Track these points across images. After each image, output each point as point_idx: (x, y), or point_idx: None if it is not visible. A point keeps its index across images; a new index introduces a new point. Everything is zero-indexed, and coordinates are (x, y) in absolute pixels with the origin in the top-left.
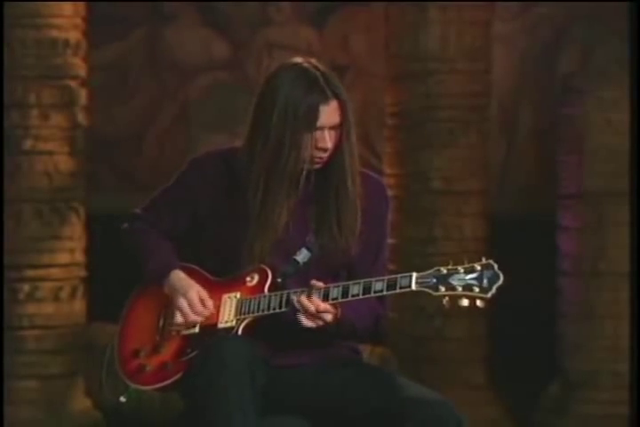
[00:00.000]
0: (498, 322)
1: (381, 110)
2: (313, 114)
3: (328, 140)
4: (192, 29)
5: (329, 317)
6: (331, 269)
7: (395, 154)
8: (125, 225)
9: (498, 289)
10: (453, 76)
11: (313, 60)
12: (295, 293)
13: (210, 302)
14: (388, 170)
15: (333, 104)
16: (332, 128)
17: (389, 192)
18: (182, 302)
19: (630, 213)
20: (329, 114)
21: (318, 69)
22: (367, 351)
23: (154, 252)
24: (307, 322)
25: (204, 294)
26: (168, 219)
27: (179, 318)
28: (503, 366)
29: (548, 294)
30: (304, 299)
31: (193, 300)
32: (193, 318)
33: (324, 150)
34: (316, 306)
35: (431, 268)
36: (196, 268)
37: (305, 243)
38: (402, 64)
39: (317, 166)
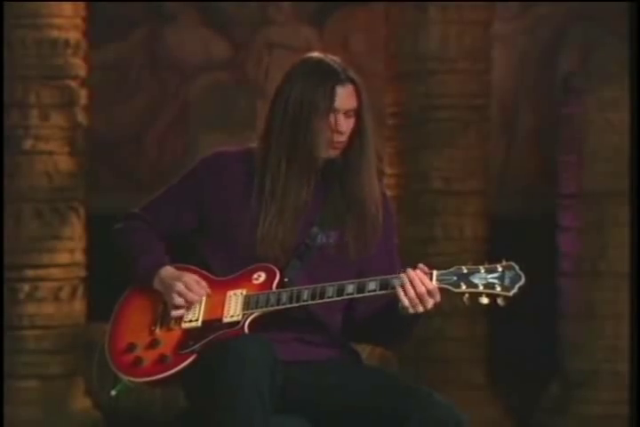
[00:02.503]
0: (498, 322)
1: (381, 110)
2: (330, 96)
3: (344, 123)
4: (192, 29)
5: (431, 302)
6: (340, 269)
7: (395, 154)
8: (118, 225)
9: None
10: (453, 76)
11: (329, 55)
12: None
13: (205, 284)
14: (388, 170)
15: (350, 87)
16: (347, 113)
17: (388, 193)
18: (179, 285)
19: (630, 213)
20: (345, 97)
21: (332, 59)
22: (367, 351)
23: (145, 251)
24: (411, 305)
25: (198, 277)
26: (170, 216)
27: (178, 300)
28: (503, 366)
29: (547, 293)
30: (414, 275)
31: (189, 281)
32: (192, 297)
33: (341, 133)
34: (427, 285)
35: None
36: (195, 268)
37: (307, 236)
38: (402, 64)
39: (336, 152)
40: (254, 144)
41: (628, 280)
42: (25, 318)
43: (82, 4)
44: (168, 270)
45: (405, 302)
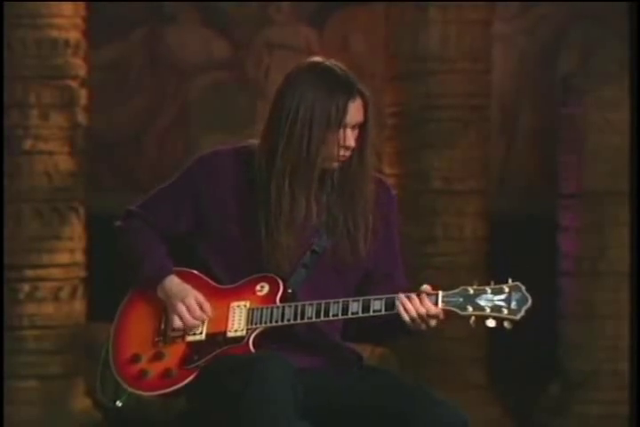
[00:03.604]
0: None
1: (381, 110)
2: (342, 111)
3: (351, 138)
4: (192, 29)
5: (434, 322)
6: (344, 274)
7: (395, 154)
8: (118, 223)
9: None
10: (453, 76)
11: (333, 60)
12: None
13: (207, 307)
14: (387, 170)
15: (359, 101)
16: (354, 126)
17: (394, 192)
18: (181, 307)
19: (630, 213)
20: (355, 111)
21: (340, 68)
22: (367, 351)
23: (148, 254)
24: (414, 325)
25: (201, 298)
26: (168, 217)
27: (177, 323)
28: (503, 366)
29: (547, 293)
30: (415, 300)
31: (191, 304)
32: (192, 322)
33: (348, 148)
34: (427, 309)
35: (431, 267)
36: (198, 273)
37: (312, 243)
38: (402, 64)
39: (338, 165)
40: (252, 140)
41: (627, 280)
42: (25, 318)
43: (82, 4)
44: (173, 282)
45: (408, 322)
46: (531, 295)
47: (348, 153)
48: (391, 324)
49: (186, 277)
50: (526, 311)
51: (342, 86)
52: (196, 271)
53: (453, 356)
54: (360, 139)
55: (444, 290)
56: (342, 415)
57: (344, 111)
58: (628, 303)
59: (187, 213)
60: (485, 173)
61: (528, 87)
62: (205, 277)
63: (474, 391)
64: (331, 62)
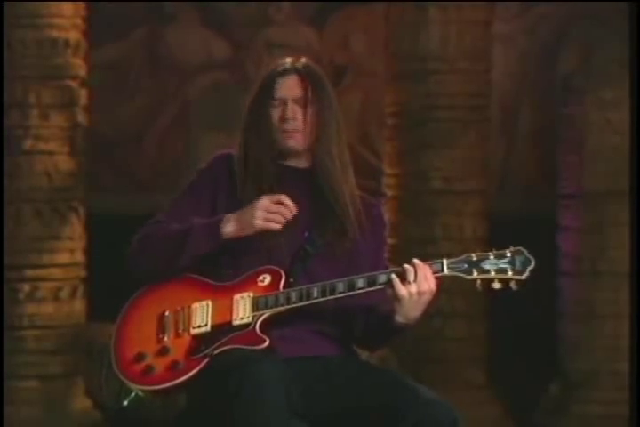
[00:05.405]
0: (498, 322)
1: (381, 110)
2: (270, 84)
3: (293, 110)
4: (192, 29)
5: (426, 289)
6: (338, 269)
7: (395, 154)
8: (136, 236)
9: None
10: (453, 76)
11: (302, 58)
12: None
13: (283, 197)
14: (387, 170)
15: (293, 77)
16: (296, 101)
17: (390, 192)
18: (261, 205)
19: (630, 213)
20: (288, 85)
21: (298, 60)
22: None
23: (187, 226)
24: (405, 294)
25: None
26: (193, 215)
27: (279, 217)
28: (503, 366)
29: (547, 293)
30: (418, 262)
31: (265, 204)
32: (283, 210)
33: (288, 120)
34: (425, 272)
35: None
36: (198, 277)
37: (304, 241)
38: (402, 64)
39: (293, 142)
40: None
41: (628, 280)
42: (25, 318)
43: (82, 4)
44: (228, 216)
45: (403, 294)
46: (531, 295)
47: (293, 126)
48: (384, 319)
49: (185, 281)
50: (531, 272)
51: (275, 67)
52: (194, 275)
53: (453, 356)
54: (316, 120)
55: (444, 290)
56: (333, 412)
57: (272, 84)
58: (628, 303)
59: (207, 212)
60: (485, 173)
61: (528, 87)
62: (205, 279)
63: (474, 391)
64: (293, 58)
